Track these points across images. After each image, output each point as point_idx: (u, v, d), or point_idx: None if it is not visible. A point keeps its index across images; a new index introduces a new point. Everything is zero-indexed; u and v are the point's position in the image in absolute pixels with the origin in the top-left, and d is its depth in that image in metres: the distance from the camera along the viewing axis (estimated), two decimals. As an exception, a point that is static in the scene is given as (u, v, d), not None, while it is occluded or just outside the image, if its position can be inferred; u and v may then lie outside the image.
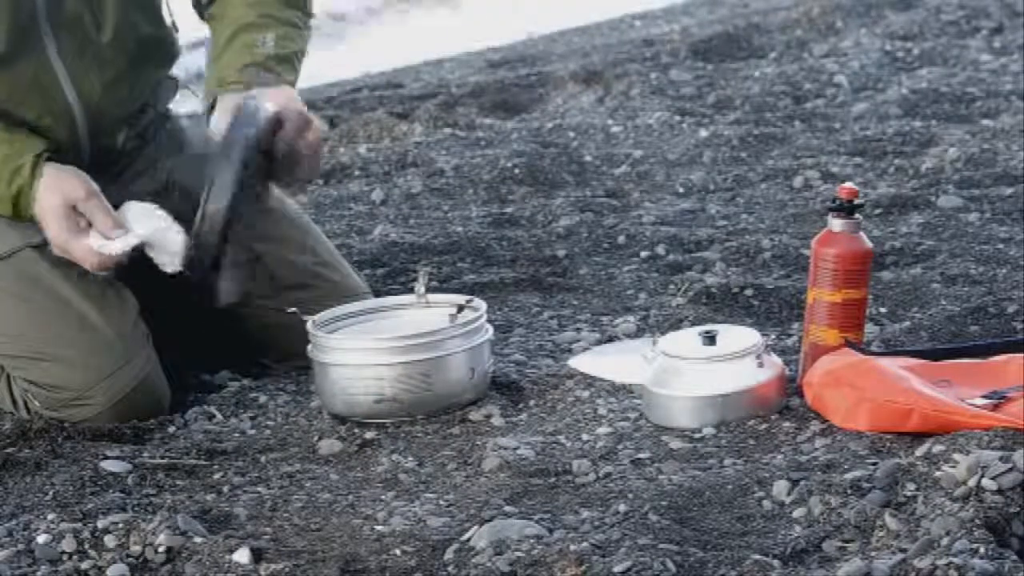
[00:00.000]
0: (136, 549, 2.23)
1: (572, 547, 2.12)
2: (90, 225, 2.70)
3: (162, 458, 2.61)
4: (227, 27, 2.89)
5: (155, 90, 3.01)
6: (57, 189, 2.70)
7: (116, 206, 2.92)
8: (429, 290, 2.91)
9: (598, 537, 2.18)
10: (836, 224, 2.67)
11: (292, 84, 2.86)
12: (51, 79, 2.80)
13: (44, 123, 2.79)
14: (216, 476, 2.55)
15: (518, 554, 2.13)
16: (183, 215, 2.96)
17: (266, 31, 2.87)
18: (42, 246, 2.78)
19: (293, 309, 2.82)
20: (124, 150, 2.93)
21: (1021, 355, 2.60)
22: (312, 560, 2.20)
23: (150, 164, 2.97)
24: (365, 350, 2.74)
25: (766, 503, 2.29)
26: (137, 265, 2.92)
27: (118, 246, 2.70)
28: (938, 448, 2.32)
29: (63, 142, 2.80)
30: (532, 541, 2.16)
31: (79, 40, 2.81)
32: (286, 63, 2.88)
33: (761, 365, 2.62)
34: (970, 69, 5.21)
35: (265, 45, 2.85)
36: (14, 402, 2.82)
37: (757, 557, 2.10)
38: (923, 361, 2.63)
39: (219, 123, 2.74)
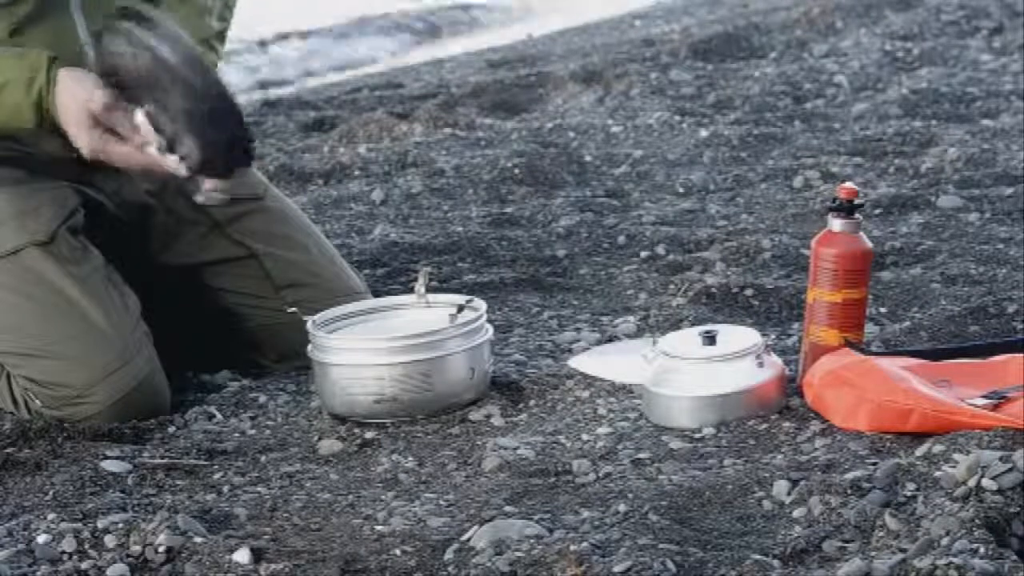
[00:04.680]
0: (136, 549, 2.23)
1: (572, 547, 2.12)
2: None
3: (162, 458, 2.61)
4: None
5: None
6: (75, 98, 2.67)
7: (119, 204, 2.94)
8: (429, 290, 2.91)
9: (598, 537, 2.18)
10: (836, 224, 2.67)
11: (215, 63, 2.96)
12: (72, 37, 2.82)
13: None
14: (216, 476, 2.55)
15: (518, 554, 2.13)
16: (179, 214, 2.98)
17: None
18: (46, 244, 2.78)
19: (293, 309, 2.82)
20: None
21: (1021, 355, 2.60)
22: (312, 560, 2.20)
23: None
24: (365, 350, 2.74)
25: (766, 503, 2.29)
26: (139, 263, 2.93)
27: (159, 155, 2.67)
28: (938, 448, 2.32)
29: None
30: (532, 541, 2.16)
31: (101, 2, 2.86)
32: (220, 41, 3.00)
33: (761, 365, 2.62)
34: (970, 69, 5.22)
35: (212, 14, 2.97)
36: (14, 402, 2.82)
37: (757, 557, 2.11)
38: (923, 361, 2.63)
39: None
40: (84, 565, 2.21)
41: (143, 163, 2.68)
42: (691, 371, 2.62)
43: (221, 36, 3.02)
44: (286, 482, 2.51)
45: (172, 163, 2.64)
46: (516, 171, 4.21)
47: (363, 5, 8.29)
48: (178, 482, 2.53)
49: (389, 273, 3.49)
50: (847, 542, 2.14)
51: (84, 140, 2.68)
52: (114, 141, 2.68)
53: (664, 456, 2.50)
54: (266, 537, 2.30)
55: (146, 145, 2.65)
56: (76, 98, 2.67)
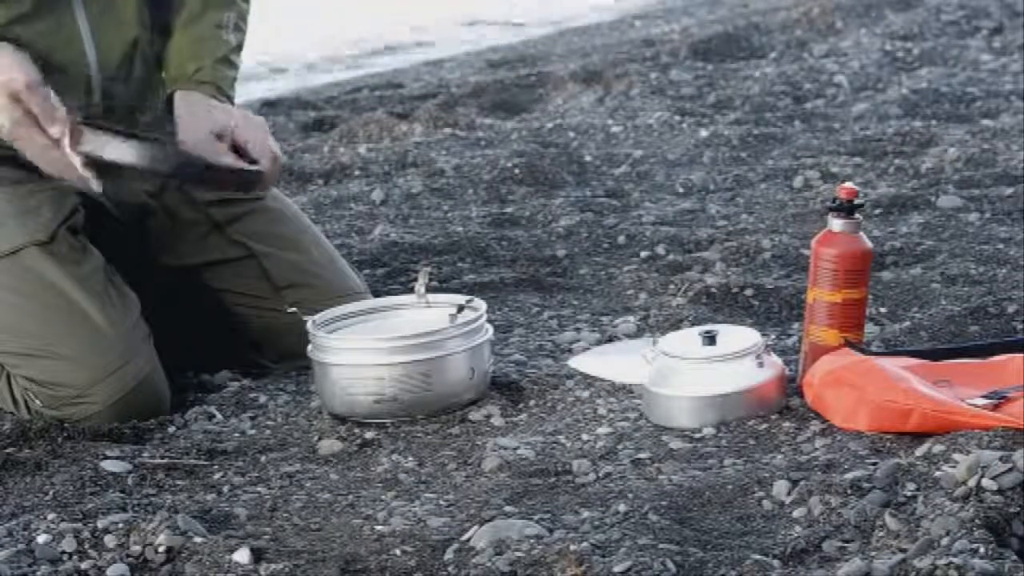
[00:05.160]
0: (136, 549, 2.23)
1: (572, 547, 2.12)
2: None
3: (162, 458, 2.60)
4: None
5: (156, 89, 3.03)
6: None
7: (118, 204, 2.94)
8: (429, 290, 2.91)
9: (598, 537, 2.18)
10: (836, 224, 2.67)
11: (235, 79, 3.01)
12: (73, 31, 2.83)
13: (65, 82, 2.79)
14: (216, 476, 2.55)
15: (518, 554, 2.13)
16: (178, 214, 2.98)
17: (229, 9, 3.01)
18: (46, 243, 2.78)
19: (293, 309, 2.82)
20: None
21: (1021, 355, 2.60)
22: (312, 560, 2.20)
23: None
24: (365, 350, 2.74)
25: (766, 503, 2.29)
26: (139, 261, 2.93)
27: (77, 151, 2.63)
28: (938, 448, 2.32)
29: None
30: (532, 541, 2.16)
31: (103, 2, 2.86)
32: (238, 53, 3.02)
33: (761, 365, 2.62)
34: (970, 69, 5.22)
35: (228, 28, 2.98)
36: (15, 402, 2.82)
37: (757, 557, 2.10)
38: (923, 361, 2.63)
39: (191, 133, 2.84)
40: (84, 565, 2.21)
41: (56, 162, 2.64)
42: (691, 371, 2.62)
43: (239, 48, 3.02)
44: (286, 482, 2.51)
45: (89, 182, 2.65)
46: (516, 171, 4.21)
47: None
48: (178, 482, 2.53)
49: (389, 273, 3.49)
50: (847, 542, 2.14)
51: (3, 117, 2.63)
52: (33, 128, 2.63)
53: (664, 456, 2.50)
54: (266, 537, 2.30)
55: (67, 144, 2.63)
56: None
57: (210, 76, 2.94)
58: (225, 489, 2.49)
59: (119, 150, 2.64)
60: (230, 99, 2.97)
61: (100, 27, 2.86)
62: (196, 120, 2.87)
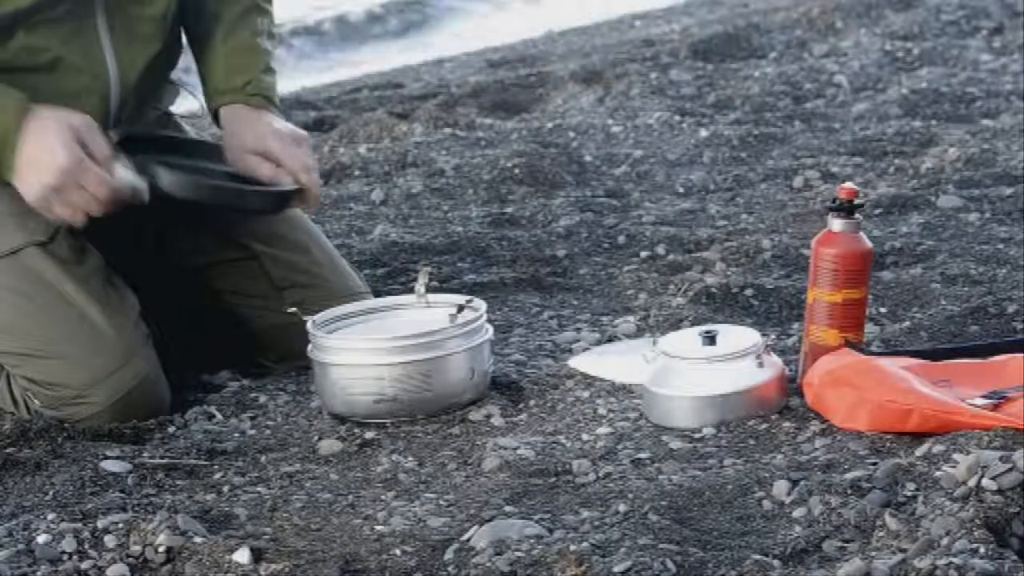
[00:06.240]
0: (136, 549, 2.23)
1: (572, 547, 2.12)
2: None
3: (162, 458, 2.61)
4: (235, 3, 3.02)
5: (161, 96, 3.04)
6: (60, 119, 2.65)
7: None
8: (429, 290, 2.91)
9: (598, 537, 2.18)
10: (836, 224, 2.67)
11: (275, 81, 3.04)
12: (94, 39, 2.83)
13: (82, 83, 2.80)
14: (216, 476, 2.55)
15: (518, 554, 2.13)
16: (176, 212, 2.99)
17: (261, 16, 3.03)
18: (46, 244, 2.78)
19: (293, 309, 2.83)
20: None
21: (1021, 355, 2.60)
22: (312, 560, 2.20)
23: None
24: (365, 350, 2.74)
25: (766, 503, 2.29)
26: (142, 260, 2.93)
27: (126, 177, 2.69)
28: (938, 448, 2.32)
29: (93, 115, 2.79)
30: (532, 541, 2.16)
31: (125, 12, 2.86)
32: (274, 58, 3.04)
33: (761, 365, 2.62)
34: (970, 69, 5.21)
35: (264, 35, 3.01)
36: (15, 402, 2.82)
37: (757, 557, 2.11)
38: (923, 361, 2.63)
39: (235, 151, 2.91)
40: (84, 565, 2.21)
41: (111, 191, 2.66)
42: (691, 371, 2.62)
43: (273, 55, 3.05)
44: (286, 482, 2.51)
45: (142, 194, 2.68)
46: (516, 171, 4.21)
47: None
48: (178, 482, 2.53)
49: (389, 273, 3.49)
50: (847, 542, 2.14)
51: (63, 155, 2.63)
52: (90, 162, 2.65)
53: (664, 456, 2.50)
54: (266, 537, 2.30)
55: (118, 172, 2.66)
56: (58, 116, 2.66)
57: (260, 89, 2.95)
58: (225, 489, 2.49)
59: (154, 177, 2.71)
60: (278, 108, 2.98)
61: (122, 45, 2.85)
62: (241, 139, 2.89)
